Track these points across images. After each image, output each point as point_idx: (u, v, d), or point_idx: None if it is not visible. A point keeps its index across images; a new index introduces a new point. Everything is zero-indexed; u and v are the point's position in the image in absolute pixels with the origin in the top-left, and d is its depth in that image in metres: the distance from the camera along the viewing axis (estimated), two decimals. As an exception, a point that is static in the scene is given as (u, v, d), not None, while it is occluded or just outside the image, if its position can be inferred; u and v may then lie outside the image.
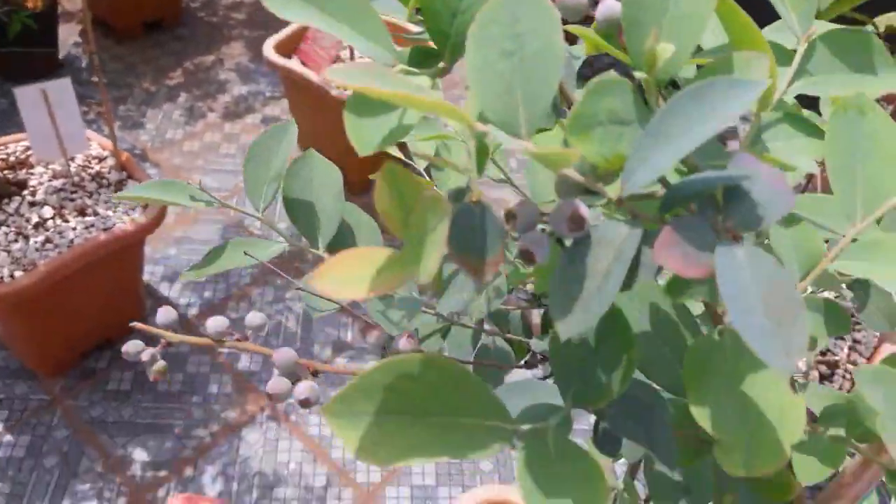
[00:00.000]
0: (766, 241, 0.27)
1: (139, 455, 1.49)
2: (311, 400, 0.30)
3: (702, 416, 0.19)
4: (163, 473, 1.46)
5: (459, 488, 1.49)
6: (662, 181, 0.20)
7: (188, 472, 1.47)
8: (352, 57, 1.89)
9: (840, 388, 1.31)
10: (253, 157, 0.49)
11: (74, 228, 1.45)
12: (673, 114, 0.19)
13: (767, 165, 0.20)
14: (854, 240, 0.24)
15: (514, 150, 0.22)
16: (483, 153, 0.21)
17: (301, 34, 1.94)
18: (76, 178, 1.53)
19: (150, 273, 1.80)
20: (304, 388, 0.31)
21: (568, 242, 0.20)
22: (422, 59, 0.27)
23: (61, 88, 1.41)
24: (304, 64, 1.89)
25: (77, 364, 1.62)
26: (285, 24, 1.98)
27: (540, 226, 0.20)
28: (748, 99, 0.18)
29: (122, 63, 2.40)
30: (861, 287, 0.47)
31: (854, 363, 1.30)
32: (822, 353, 1.36)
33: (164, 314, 0.32)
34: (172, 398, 1.58)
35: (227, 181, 2.06)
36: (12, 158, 1.56)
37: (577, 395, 0.24)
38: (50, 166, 1.56)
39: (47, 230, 1.44)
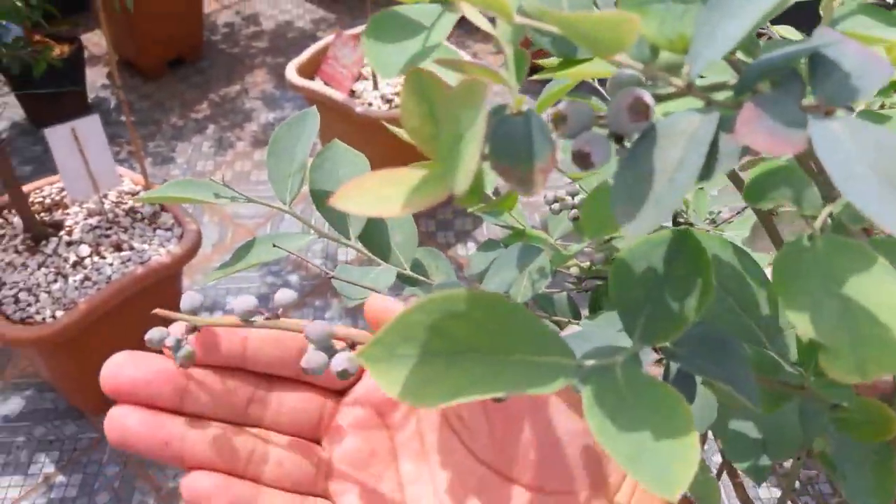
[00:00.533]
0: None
1: (191, 486, 1.48)
2: (351, 371, 0.28)
3: (800, 321, 0.17)
4: (216, 503, 1.45)
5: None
6: (734, 65, 0.17)
7: (241, 499, 1.45)
8: (374, 74, 1.89)
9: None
10: (275, 150, 0.47)
11: (111, 264, 1.46)
12: (737, -19, 0.17)
13: (853, 39, 0.17)
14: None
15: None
16: (521, 60, 0.19)
17: (322, 55, 1.94)
18: (110, 215, 1.54)
19: (190, 304, 1.80)
20: (342, 359, 0.28)
21: (628, 142, 0.17)
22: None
23: (90, 126, 1.42)
24: (326, 84, 1.89)
25: (124, 400, 1.62)
26: (306, 47, 1.99)
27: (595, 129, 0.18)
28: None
29: (149, 101, 2.43)
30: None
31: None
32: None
33: (189, 299, 0.30)
34: (220, 427, 1.57)
35: (261, 208, 2.06)
36: (48, 200, 1.58)
37: (645, 330, 0.22)
38: (84, 205, 1.57)
39: (85, 268, 1.45)
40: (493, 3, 0.16)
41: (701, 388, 0.35)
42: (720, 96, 0.17)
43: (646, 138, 0.17)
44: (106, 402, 1.59)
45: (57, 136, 1.40)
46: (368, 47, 0.21)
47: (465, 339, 0.20)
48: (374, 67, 0.21)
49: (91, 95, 2.41)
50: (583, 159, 0.17)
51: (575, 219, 0.47)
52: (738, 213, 0.48)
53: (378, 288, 0.47)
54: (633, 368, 0.21)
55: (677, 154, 0.16)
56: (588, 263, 0.61)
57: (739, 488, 0.56)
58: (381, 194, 0.17)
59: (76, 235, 1.50)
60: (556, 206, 0.48)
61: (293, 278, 1.87)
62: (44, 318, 1.37)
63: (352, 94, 1.90)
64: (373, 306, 0.31)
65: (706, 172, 0.16)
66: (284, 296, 0.31)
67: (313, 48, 1.97)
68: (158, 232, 1.53)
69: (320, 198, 0.48)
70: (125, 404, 0.29)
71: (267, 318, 0.31)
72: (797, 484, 0.48)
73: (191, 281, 1.83)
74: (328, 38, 1.99)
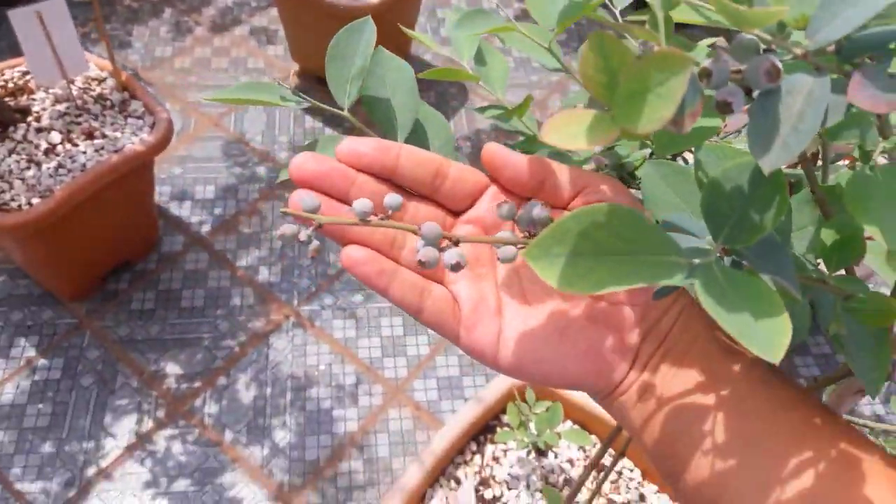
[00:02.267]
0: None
1: (172, 369, 1.54)
2: (462, 264, 0.34)
3: (875, 233, 0.23)
4: (197, 384, 1.52)
5: (483, 377, 1.57)
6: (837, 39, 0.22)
7: (222, 380, 1.53)
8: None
9: None
10: (333, 56, 0.51)
11: (85, 152, 1.45)
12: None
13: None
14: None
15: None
16: (669, 22, 0.23)
17: (286, -61, 1.88)
18: (79, 102, 1.52)
19: (159, 193, 1.81)
20: (453, 253, 0.34)
21: (756, 94, 0.23)
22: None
23: (55, 8, 1.38)
24: (292, -30, 1.84)
25: (99, 287, 1.65)
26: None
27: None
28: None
29: (98, -20, 2.32)
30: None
31: None
32: None
33: (310, 200, 0.35)
34: (197, 313, 1.62)
35: (223, 97, 2.03)
36: (11, 84, 1.54)
37: (728, 235, 0.28)
38: (50, 91, 1.54)
39: (58, 155, 1.44)
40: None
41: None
42: (824, 62, 0.23)
43: (771, 93, 0.22)
44: (82, 290, 1.61)
45: (21, 19, 1.36)
46: (528, 2, 0.26)
47: (605, 243, 0.25)
48: (537, 18, 0.25)
49: (35, -29, 2.29)
50: (725, 107, 0.22)
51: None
52: (739, 130, 0.54)
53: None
54: (724, 265, 0.27)
55: (797, 107, 0.22)
56: (594, 166, 0.67)
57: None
58: (569, 132, 0.22)
59: (45, 122, 1.48)
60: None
61: (260, 170, 1.89)
62: (19, 206, 1.37)
63: (320, -19, 1.86)
64: (489, 152, 0.37)
65: (822, 123, 0.21)
66: (393, 200, 0.36)
67: (278, -69, 1.91)
68: (130, 120, 1.52)
69: (371, 103, 0.52)
70: (305, 190, 0.36)
71: (381, 218, 0.35)
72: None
73: (158, 169, 1.83)
74: (293, -79, 1.92)
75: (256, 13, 2.28)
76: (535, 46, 0.61)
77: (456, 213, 0.40)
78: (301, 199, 0.37)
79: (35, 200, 1.38)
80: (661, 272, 0.25)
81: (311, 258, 0.35)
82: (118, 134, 1.49)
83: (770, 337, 0.23)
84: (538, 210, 0.35)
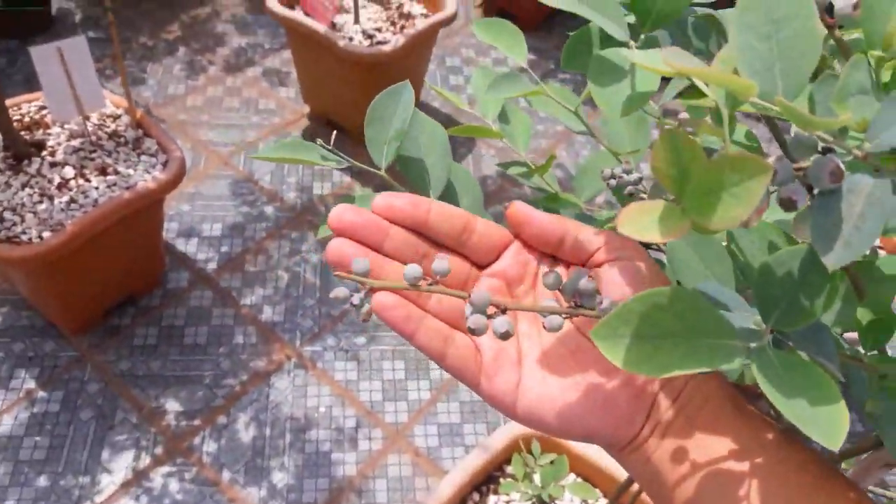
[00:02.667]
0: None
1: (172, 405, 1.53)
2: (510, 332, 0.35)
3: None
4: (196, 422, 1.51)
5: (484, 425, 1.56)
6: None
7: (221, 419, 1.52)
8: (356, 8, 1.89)
9: None
10: (372, 118, 0.52)
11: (97, 188, 1.47)
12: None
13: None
14: None
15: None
16: (732, 120, 0.25)
17: (302, -15, 1.92)
18: (93, 138, 1.54)
19: (166, 229, 1.81)
20: (503, 322, 0.35)
21: (816, 192, 0.24)
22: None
23: (77, 46, 1.41)
24: (307, 14, 1.88)
25: (102, 321, 1.64)
26: (282, -26, 1.97)
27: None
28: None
29: (117, 18, 2.36)
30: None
31: None
32: None
33: (361, 264, 0.36)
34: (199, 350, 1.62)
35: (233, 136, 2.06)
36: (27, 119, 1.56)
37: (779, 318, 0.29)
38: (66, 126, 1.56)
39: (70, 190, 1.46)
40: (740, 89, 0.22)
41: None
42: (882, 164, 0.24)
43: (833, 193, 0.24)
44: (85, 323, 1.61)
45: (42, 55, 1.38)
46: (594, 91, 0.27)
47: (666, 325, 0.27)
48: (602, 108, 0.27)
49: (53, 8, 2.33)
50: (789, 203, 0.24)
51: (630, 194, 0.54)
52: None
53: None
54: (776, 349, 0.28)
55: (859, 208, 0.23)
56: (614, 226, 0.69)
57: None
58: (642, 223, 0.23)
59: (59, 157, 1.50)
60: (612, 181, 0.54)
61: (268, 209, 1.90)
62: (30, 239, 1.38)
63: (332, 26, 1.90)
64: (514, 209, 0.39)
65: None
66: (441, 265, 0.38)
67: (294, -23, 1.95)
68: (143, 157, 1.54)
69: (406, 163, 0.54)
70: (343, 238, 0.38)
71: (430, 284, 0.37)
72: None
73: (166, 206, 1.84)
74: (310, -32, 1.97)
75: (269, 55, 2.32)
76: (560, 109, 0.63)
77: (480, 266, 0.42)
78: (353, 261, 0.38)
79: (46, 234, 1.38)
80: (721, 356, 0.27)
81: (362, 321, 0.36)
82: (131, 171, 1.50)
83: (829, 424, 0.25)
84: (584, 281, 0.37)
